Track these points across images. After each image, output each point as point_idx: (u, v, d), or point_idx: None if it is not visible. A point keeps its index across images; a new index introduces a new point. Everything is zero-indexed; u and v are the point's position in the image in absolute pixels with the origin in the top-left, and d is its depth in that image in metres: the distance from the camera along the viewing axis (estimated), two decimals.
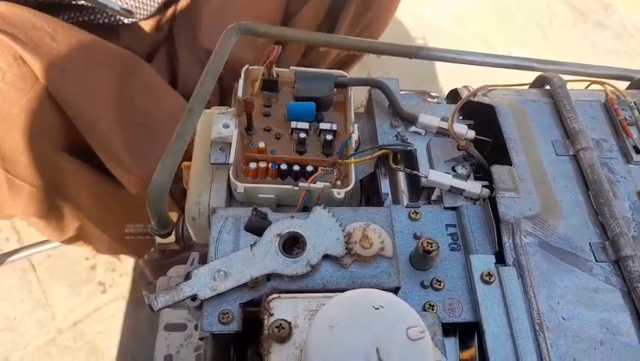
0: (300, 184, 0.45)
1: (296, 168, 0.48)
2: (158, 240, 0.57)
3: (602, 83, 0.59)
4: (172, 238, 0.59)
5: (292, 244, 0.42)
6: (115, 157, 0.74)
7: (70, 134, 0.72)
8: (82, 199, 0.80)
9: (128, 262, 1.38)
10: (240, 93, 0.52)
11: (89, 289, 1.37)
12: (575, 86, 0.61)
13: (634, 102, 0.56)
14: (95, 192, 0.81)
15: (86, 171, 0.78)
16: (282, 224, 0.42)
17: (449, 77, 1.48)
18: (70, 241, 0.93)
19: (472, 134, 0.52)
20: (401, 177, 0.53)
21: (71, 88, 0.68)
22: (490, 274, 0.43)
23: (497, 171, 0.48)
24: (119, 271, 1.37)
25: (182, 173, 0.55)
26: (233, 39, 0.53)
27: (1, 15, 0.63)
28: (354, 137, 0.50)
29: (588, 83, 0.61)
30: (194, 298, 0.40)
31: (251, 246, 0.41)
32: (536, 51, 1.81)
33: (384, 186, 0.53)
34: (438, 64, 1.64)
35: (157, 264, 1.19)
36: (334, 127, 0.50)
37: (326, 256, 0.41)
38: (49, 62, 0.64)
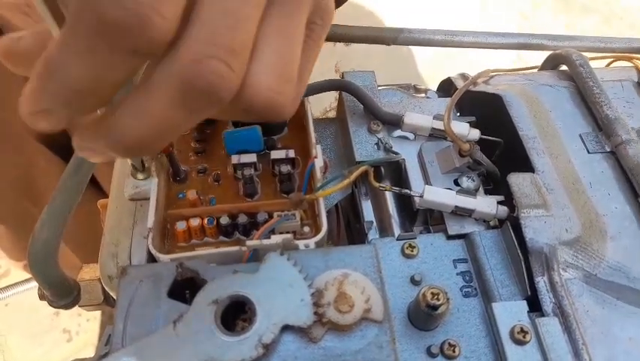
0: (248, 242, 0.32)
1: (242, 219, 0.35)
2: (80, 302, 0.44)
3: (630, 59, 0.47)
4: (99, 298, 0.46)
5: (236, 314, 0.29)
6: None
7: None
8: None
9: None
10: None
11: (52, 338, 1.25)
12: (594, 64, 0.49)
13: None
14: None
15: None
16: (221, 285, 0.29)
17: (433, 69, 1.34)
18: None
19: (476, 133, 0.40)
20: (388, 197, 0.40)
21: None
22: (523, 330, 0.30)
23: (517, 181, 0.35)
24: (86, 315, 1.25)
25: (100, 214, 0.42)
26: None
27: None
28: (319, 162, 0.37)
29: (610, 59, 0.50)
30: None
31: (174, 322, 0.28)
32: None
33: (367, 211, 0.40)
34: (419, 54, 1.51)
35: None
36: (291, 154, 0.38)
37: (286, 328, 0.28)
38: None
